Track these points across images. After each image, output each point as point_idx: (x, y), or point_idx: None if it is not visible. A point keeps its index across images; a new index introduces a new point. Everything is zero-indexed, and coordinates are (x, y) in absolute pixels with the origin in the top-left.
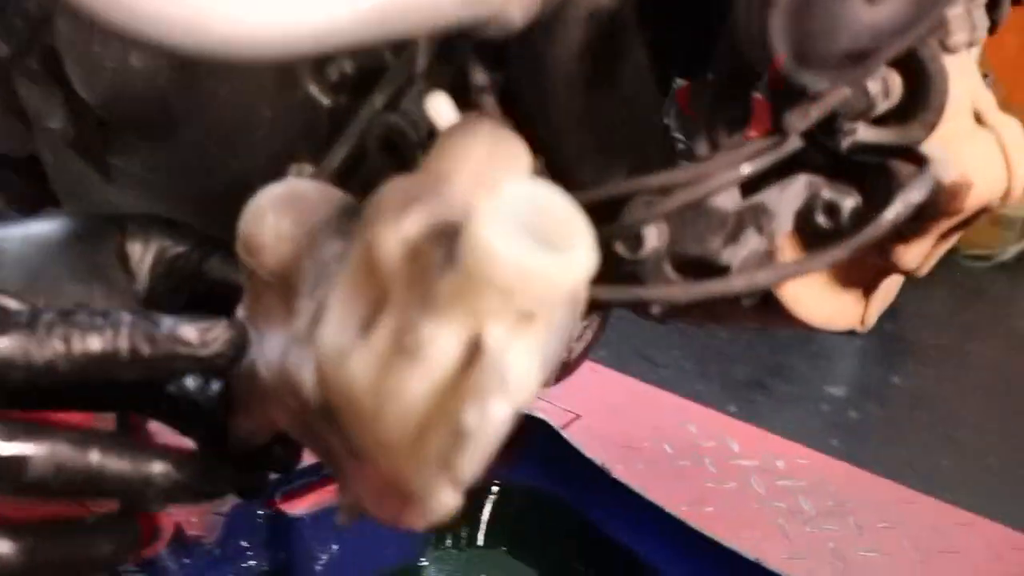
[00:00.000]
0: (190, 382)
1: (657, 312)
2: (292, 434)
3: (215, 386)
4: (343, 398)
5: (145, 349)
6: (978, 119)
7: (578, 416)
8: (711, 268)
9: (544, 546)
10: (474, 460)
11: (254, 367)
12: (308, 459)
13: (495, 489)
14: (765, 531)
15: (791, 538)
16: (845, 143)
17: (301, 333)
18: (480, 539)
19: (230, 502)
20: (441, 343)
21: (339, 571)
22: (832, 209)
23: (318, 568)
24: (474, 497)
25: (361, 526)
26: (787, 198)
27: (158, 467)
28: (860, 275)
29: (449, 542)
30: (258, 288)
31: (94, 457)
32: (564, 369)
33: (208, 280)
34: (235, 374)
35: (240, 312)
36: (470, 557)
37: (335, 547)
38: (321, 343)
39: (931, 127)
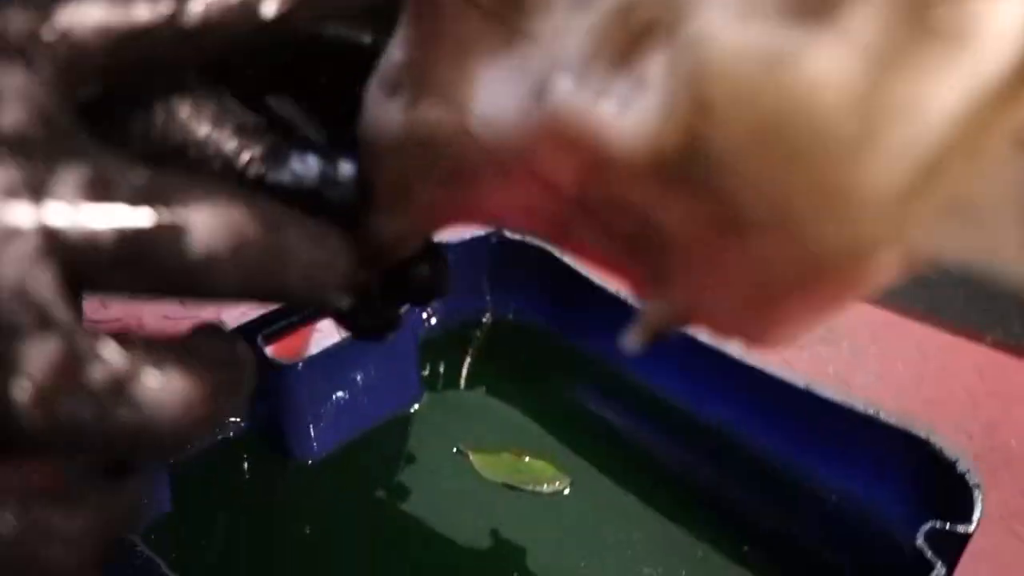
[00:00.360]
0: (310, 163)
1: None
2: (528, 226)
3: (347, 169)
4: (783, 126)
5: None
6: None
7: None
8: None
9: (538, 382)
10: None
11: (422, 130)
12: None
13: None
14: (762, 357)
15: (791, 362)
16: None
17: (576, 56)
18: (463, 382)
19: None
20: (1000, 18)
21: (334, 427)
22: None
23: (310, 424)
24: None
25: (362, 371)
26: None
27: (337, 242)
28: None
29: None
30: (434, 14)
31: (276, 226)
32: None
33: None
34: (375, 148)
35: (397, 54)
36: (460, 399)
37: (333, 397)
38: (714, 41)
39: None
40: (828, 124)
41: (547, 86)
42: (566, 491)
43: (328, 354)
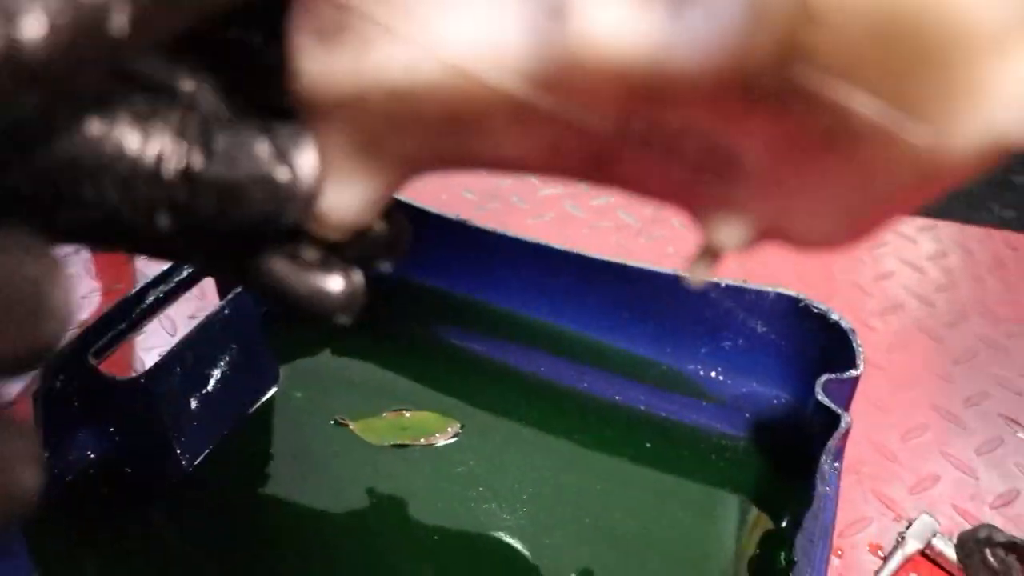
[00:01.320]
0: (248, 143)
1: None
2: (550, 169)
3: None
4: (913, 24)
5: None
6: None
7: None
8: None
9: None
10: None
11: (390, 77)
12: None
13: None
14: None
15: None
16: None
17: None
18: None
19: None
20: None
21: (199, 433)
22: None
23: (171, 438)
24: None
25: (212, 367)
26: None
27: None
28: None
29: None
30: None
31: None
32: None
33: None
34: (320, 108)
35: None
36: (320, 370)
37: (190, 401)
38: None
39: None
40: (970, 16)
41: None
42: (458, 438)
43: (172, 356)
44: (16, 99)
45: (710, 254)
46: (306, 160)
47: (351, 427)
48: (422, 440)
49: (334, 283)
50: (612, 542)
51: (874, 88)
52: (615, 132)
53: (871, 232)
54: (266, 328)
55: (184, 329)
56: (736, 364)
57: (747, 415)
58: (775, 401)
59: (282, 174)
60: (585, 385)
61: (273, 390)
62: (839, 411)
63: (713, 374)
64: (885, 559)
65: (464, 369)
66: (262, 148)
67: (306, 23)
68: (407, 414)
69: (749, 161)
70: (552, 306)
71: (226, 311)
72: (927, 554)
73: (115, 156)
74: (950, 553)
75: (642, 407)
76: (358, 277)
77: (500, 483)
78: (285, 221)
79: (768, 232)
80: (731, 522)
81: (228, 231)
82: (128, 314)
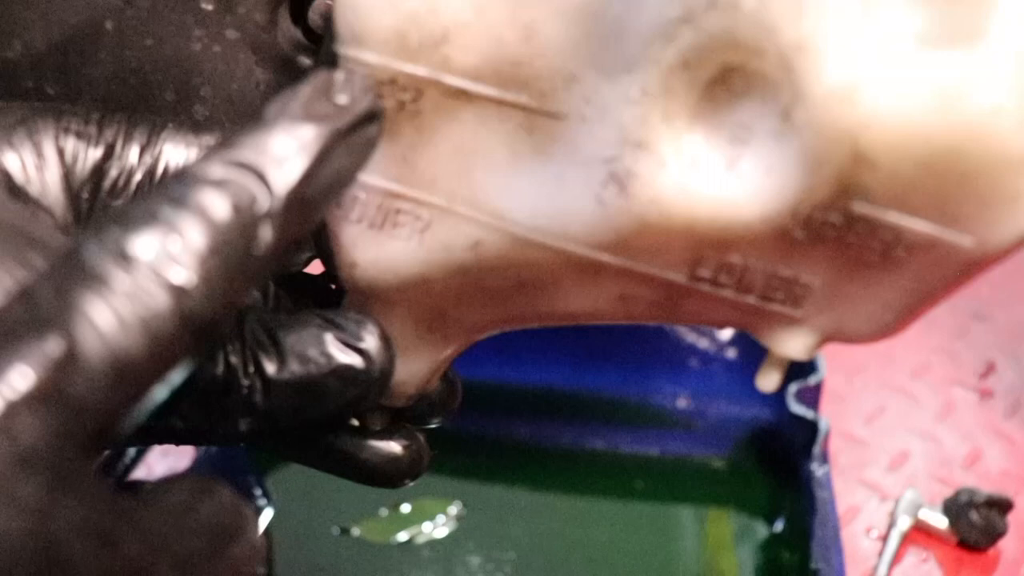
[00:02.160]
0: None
1: None
2: (621, 317)
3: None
4: (958, 153)
5: None
6: None
7: None
8: None
9: None
10: None
11: (453, 255)
12: None
13: None
14: None
15: None
16: None
17: (639, 126)
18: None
19: None
20: None
21: None
22: None
23: None
24: None
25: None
26: None
27: None
28: None
29: None
30: (416, 123)
31: None
32: None
33: None
34: (381, 290)
35: (376, 183)
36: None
37: None
38: (867, 90)
39: None
40: (1008, 142)
41: (622, 169)
42: (460, 522)
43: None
44: (196, 352)
45: (779, 365)
46: (377, 345)
47: (355, 532)
48: (426, 526)
49: (401, 450)
50: None
51: (925, 210)
52: (688, 277)
53: (916, 320)
54: (248, 451)
55: None
56: (702, 388)
57: (723, 435)
58: (747, 416)
59: (357, 364)
60: (566, 440)
61: (270, 513)
62: (815, 418)
63: (682, 402)
64: (884, 540)
65: (447, 447)
66: (331, 341)
67: (352, 214)
68: (405, 505)
69: (815, 284)
70: (513, 365)
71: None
72: (919, 527)
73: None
74: (940, 521)
75: (625, 449)
76: (421, 440)
77: (509, 557)
78: (362, 407)
79: (829, 336)
80: (732, 537)
81: (306, 424)
82: (108, 473)
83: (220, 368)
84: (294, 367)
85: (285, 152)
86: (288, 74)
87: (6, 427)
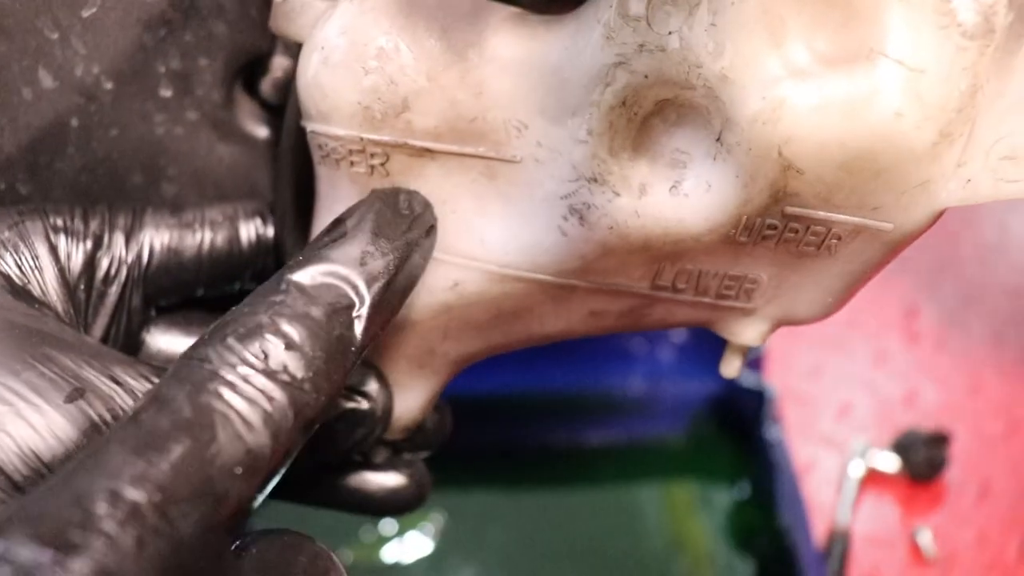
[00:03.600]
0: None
1: None
2: (592, 330)
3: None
4: (871, 154)
5: None
6: None
7: None
8: None
9: None
10: None
11: (437, 297)
12: None
13: None
14: None
15: None
16: None
17: (589, 162)
18: None
19: None
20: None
21: None
22: None
23: None
24: None
25: None
26: None
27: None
28: None
29: None
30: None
31: None
32: None
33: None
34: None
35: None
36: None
37: None
38: (789, 110)
39: None
40: (911, 139)
41: (580, 202)
42: (444, 536)
43: None
44: (304, 439)
45: (739, 352)
46: (377, 387)
47: (344, 555)
48: (413, 542)
49: (405, 480)
50: (624, 566)
51: (849, 205)
52: (650, 287)
53: (849, 300)
54: None
55: None
56: (653, 371)
57: (680, 413)
58: (700, 392)
59: (361, 406)
60: (533, 440)
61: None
62: (761, 387)
63: (636, 387)
64: (841, 489)
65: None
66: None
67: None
68: (387, 522)
69: (762, 279)
70: (469, 374)
71: None
72: (871, 470)
73: None
74: (890, 461)
75: (591, 440)
76: (422, 468)
77: (497, 561)
78: (368, 444)
79: (780, 322)
80: (693, 505)
81: (316, 466)
82: None
83: None
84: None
85: (371, 263)
86: (248, 146)
87: (168, 517)
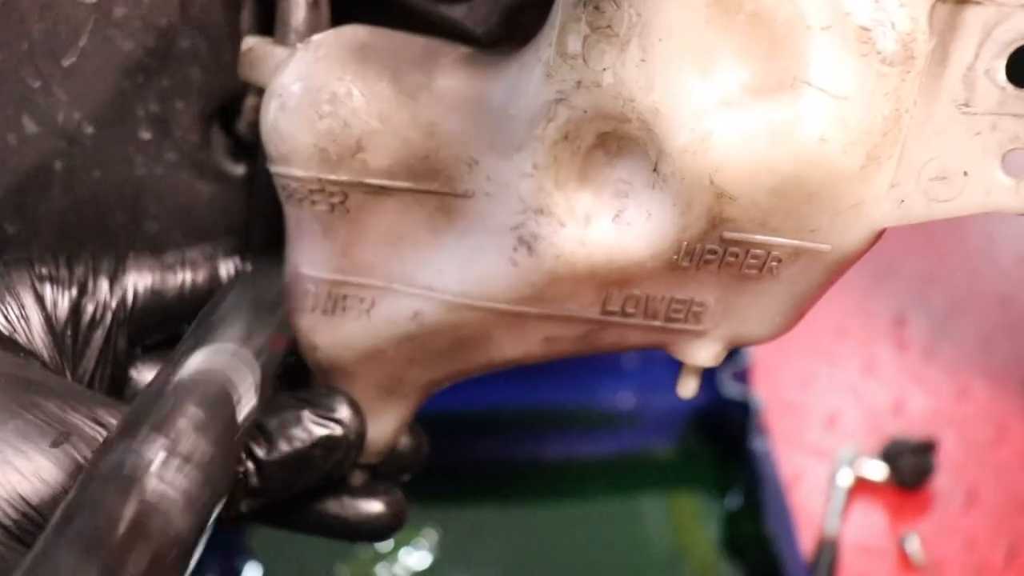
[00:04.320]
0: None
1: None
2: (548, 355)
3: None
4: (801, 178)
5: None
6: None
7: None
8: None
9: None
10: None
11: (398, 328)
12: None
13: None
14: None
15: None
16: None
17: (536, 195)
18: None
19: None
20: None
21: None
22: None
23: None
24: None
25: None
26: None
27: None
28: None
29: None
30: (345, 219)
31: None
32: None
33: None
34: (338, 365)
35: (318, 271)
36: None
37: None
38: (718, 139)
39: None
40: (839, 163)
41: (528, 233)
42: (440, 551)
43: None
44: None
45: (694, 373)
46: (349, 413)
47: (341, 573)
48: (408, 557)
49: (383, 506)
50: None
51: (785, 228)
52: (600, 313)
53: (803, 317)
54: None
55: None
56: (642, 384)
57: (669, 425)
58: (688, 404)
59: (335, 432)
60: (525, 455)
61: (260, 569)
62: (747, 399)
63: (626, 400)
64: (830, 498)
65: (416, 476)
66: (309, 417)
67: (304, 304)
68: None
69: (709, 302)
70: (464, 390)
71: None
72: (859, 478)
73: None
74: (880, 470)
75: (582, 454)
76: (399, 494)
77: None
78: (344, 468)
79: (732, 343)
80: (695, 516)
81: (293, 495)
82: None
83: None
84: (282, 447)
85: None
86: (226, 183)
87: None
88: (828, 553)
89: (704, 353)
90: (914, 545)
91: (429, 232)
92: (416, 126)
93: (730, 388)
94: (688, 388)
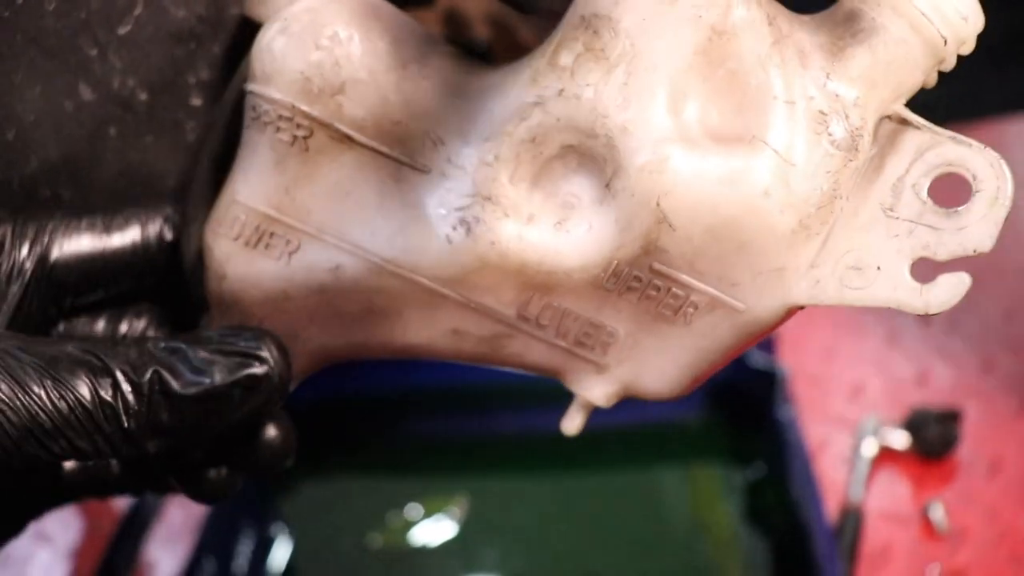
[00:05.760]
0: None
1: None
2: (453, 351)
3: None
4: (737, 225)
5: None
6: None
7: None
8: None
9: None
10: None
11: (314, 276)
12: None
13: None
14: None
15: None
16: None
17: (489, 184)
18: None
19: None
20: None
21: None
22: None
23: None
24: None
25: None
26: None
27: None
28: None
29: None
30: (299, 158)
31: None
32: None
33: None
34: (242, 303)
35: (256, 204)
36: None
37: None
38: (675, 170)
39: None
40: (774, 219)
41: (471, 216)
42: (468, 518)
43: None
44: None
45: (584, 409)
46: (276, 354)
47: (376, 541)
48: (437, 524)
49: (273, 431)
50: (644, 546)
51: (709, 274)
52: (515, 316)
53: (699, 383)
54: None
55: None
56: None
57: (692, 394)
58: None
59: (259, 371)
60: (550, 424)
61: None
62: (773, 368)
63: None
64: (854, 467)
65: (446, 448)
66: (233, 352)
67: (227, 231)
68: (408, 507)
69: (619, 333)
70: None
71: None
72: (883, 447)
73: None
74: (903, 440)
75: (604, 423)
76: (287, 421)
77: (519, 548)
78: (265, 413)
79: (626, 389)
80: (718, 489)
81: (208, 439)
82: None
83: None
84: (199, 380)
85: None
86: None
87: None
88: (853, 520)
89: (599, 391)
90: (938, 513)
91: (376, 195)
92: (399, 92)
93: (757, 358)
94: (573, 424)
